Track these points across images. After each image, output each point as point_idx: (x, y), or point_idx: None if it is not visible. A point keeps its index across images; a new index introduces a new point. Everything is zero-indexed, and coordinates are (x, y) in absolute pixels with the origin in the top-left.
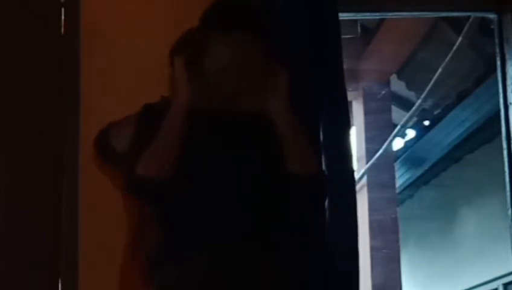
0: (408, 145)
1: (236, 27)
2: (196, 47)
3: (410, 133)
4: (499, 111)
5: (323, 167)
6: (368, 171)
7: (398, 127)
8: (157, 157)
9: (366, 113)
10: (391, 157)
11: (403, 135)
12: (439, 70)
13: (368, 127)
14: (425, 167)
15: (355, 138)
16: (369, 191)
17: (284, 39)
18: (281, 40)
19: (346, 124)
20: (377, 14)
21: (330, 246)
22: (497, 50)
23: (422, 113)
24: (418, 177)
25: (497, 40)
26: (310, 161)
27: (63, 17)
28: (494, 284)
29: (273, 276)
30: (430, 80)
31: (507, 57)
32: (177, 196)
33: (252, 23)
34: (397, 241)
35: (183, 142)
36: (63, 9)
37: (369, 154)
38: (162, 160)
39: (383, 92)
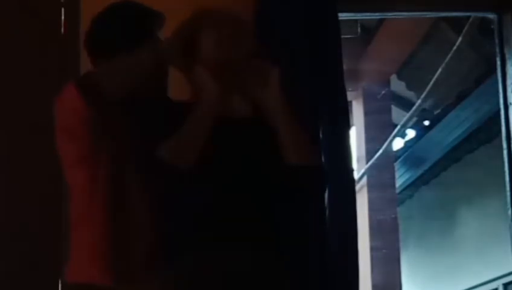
0: (408, 145)
1: (225, 25)
2: (188, 46)
3: (410, 133)
4: (499, 111)
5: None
6: (368, 171)
7: (398, 127)
8: (181, 146)
9: (366, 113)
10: (391, 157)
11: (403, 135)
12: (439, 70)
13: (368, 127)
14: (425, 167)
15: (355, 138)
16: (369, 191)
17: (284, 39)
18: (280, 40)
19: (346, 124)
20: (377, 14)
21: (330, 246)
22: (497, 50)
23: (422, 113)
24: (418, 177)
25: (497, 40)
26: (307, 150)
27: (63, 17)
28: (494, 284)
29: (273, 276)
30: (430, 80)
31: (507, 57)
32: (186, 194)
33: (241, 22)
34: (397, 241)
35: (207, 140)
36: (63, 9)
37: (369, 154)
38: (185, 150)
39: (383, 92)
